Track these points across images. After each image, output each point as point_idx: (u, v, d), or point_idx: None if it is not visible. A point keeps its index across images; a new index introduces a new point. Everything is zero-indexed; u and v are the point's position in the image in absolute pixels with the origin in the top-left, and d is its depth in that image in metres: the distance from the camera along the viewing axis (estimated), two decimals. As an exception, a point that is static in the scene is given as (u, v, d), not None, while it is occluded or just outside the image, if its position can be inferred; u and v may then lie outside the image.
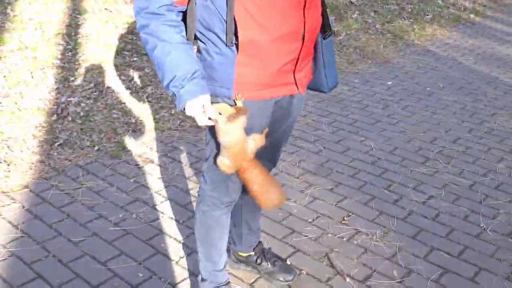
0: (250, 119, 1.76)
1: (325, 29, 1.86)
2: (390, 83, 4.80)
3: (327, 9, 1.87)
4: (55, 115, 3.74)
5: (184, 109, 1.64)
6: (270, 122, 1.88)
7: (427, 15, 7.34)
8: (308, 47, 1.77)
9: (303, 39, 1.71)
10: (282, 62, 1.71)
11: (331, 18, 6.08)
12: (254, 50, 1.66)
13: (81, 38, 5.40)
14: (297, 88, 1.82)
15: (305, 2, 1.67)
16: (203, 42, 1.71)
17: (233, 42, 1.64)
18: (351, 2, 7.87)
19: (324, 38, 1.86)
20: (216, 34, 1.66)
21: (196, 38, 1.74)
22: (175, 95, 1.63)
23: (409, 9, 7.61)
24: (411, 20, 7.04)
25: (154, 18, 1.59)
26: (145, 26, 1.61)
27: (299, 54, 1.74)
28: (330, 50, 1.91)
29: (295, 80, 1.79)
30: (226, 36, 1.64)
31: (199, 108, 1.64)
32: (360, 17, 7.07)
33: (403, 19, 7.04)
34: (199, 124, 1.69)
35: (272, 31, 1.64)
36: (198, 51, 1.75)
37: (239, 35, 1.63)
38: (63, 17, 6.09)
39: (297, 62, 1.76)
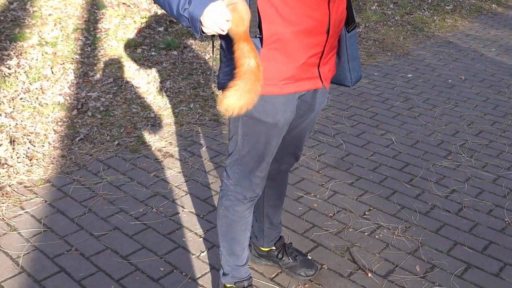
0: (275, 114, 1.74)
1: (349, 22, 1.84)
2: (410, 75, 4.74)
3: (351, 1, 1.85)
4: (75, 110, 3.77)
5: (202, 31, 1.49)
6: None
7: (448, 5, 7.23)
8: (332, 41, 1.75)
9: (328, 32, 1.69)
10: (307, 55, 1.69)
11: (361, 27, 6.03)
12: (279, 43, 1.64)
13: (99, 33, 5.43)
14: (322, 82, 1.80)
15: None
16: (224, 38, 1.70)
17: (257, 35, 1.63)
18: (369, -7, 7.80)
19: (348, 31, 1.84)
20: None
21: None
22: (188, 19, 1.48)
23: (429, 0, 7.50)
24: (431, 11, 6.94)
25: None
26: None
27: (324, 48, 1.72)
28: (354, 44, 1.89)
29: (319, 74, 1.77)
30: (250, 29, 1.63)
31: (217, 15, 1.45)
32: (379, 8, 7.00)
33: (423, 10, 6.95)
34: (222, 29, 1.48)
35: (297, 24, 1.62)
36: (221, 47, 1.74)
37: (263, 28, 1.61)
38: (81, 12, 6.13)
39: (321, 56, 1.74)
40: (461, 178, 3.11)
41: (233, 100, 1.51)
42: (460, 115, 3.96)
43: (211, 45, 5.03)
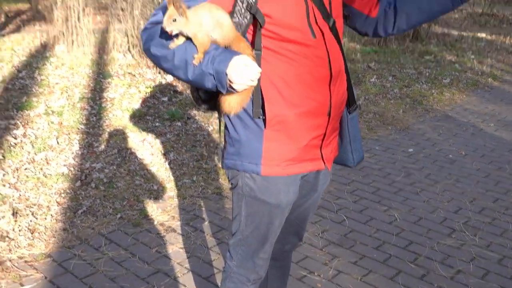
0: (277, 195, 1.76)
1: (350, 103, 1.89)
2: (411, 150, 4.80)
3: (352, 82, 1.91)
4: (79, 181, 3.78)
5: (230, 85, 1.52)
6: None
7: (445, 79, 7.42)
8: (334, 122, 1.80)
9: (329, 114, 1.75)
10: (309, 137, 1.73)
11: (360, 99, 6.17)
12: (281, 125, 1.69)
13: (105, 102, 5.54)
14: (324, 163, 1.83)
15: (331, 77, 1.71)
16: (228, 117, 1.74)
17: (260, 116, 1.68)
18: (369, 66, 8.01)
19: (349, 113, 1.90)
20: (243, 108, 1.69)
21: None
22: (214, 75, 1.52)
23: (427, 74, 7.70)
24: (429, 84, 7.11)
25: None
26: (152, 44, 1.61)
27: (326, 129, 1.77)
28: (356, 125, 1.94)
29: (321, 155, 1.81)
30: (253, 110, 1.68)
31: (242, 67, 1.50)
32: (378, 81, 7.17)
33: (421, 83, 7.12)
34: (252, 79, 1.52)
35: (299, 106, 1.68)
36: (225, 127, 1.79)
37: (266, 109, 1.67)
38: (88, 81, 6.28)
39: (323, 137, 1.78)
40: (466, 258, 3.09)
41: (233, 102, 1.61)
42: (462, 192, 3.97)
43: (214, 117, 5.12)
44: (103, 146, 4.42)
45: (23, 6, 13.52)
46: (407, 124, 5.52)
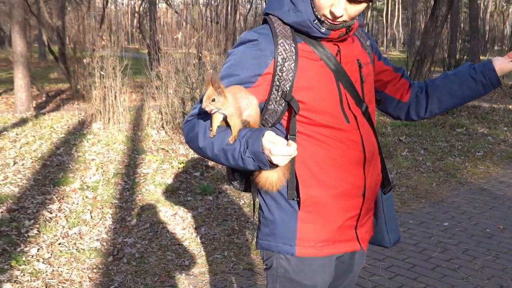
0: (313, 276, 1.74)
1: (385, 184, 1.90)
2: (446, 224, 4.69)
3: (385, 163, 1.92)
4: (111, 256, 3.80)
5: (270, 161, 1.49)
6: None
7: (478, 152, 7.35)
8: (369, 203, 1.80)
9: (364, 195, 1.75)
10: (344, 218, 1.73)
11: (392, 173, 6.16)
12: (316, 206, 1.69)
13: (138, 177, 5.65)
14: (359, 244, 1.81)
15: (365, 160, 1.73)
16: (262, 198, 1.76)
17: (295, 198, 1.69)
18: (399, 140, 8.02)
19: (384, 193, 1.89)
20: (279, 188, 1.71)
21: (258, 191, 1.79)
22: (252, 158, 1.51)
23: (459, 146, 7.65)
24: (462, 157, 7.04)
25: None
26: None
27: (361, 210, 1.76)
28: (391, 205, 1.93)
29: (357, 236, 1.79)
30: (288, 191, 1.69)
31: (272, 145, 1.47)
32: (409, 154, 7.15)
33: (454, 157, 7.06)
34: (289, 153, 1.47)
35: (333, 188, 1.69)
36: (260, 208, 1.80)
37: (300, 191, 1.68)
38: (122, 157, 6.45)
39: (358, 218, 1.77)
40: None
41: (273, 178, 1.61)
42: (503, 268, 3.82)
43: (244, 193, 5.14)
44: (135, 221, 4.47)
45: (63, 86, 14.23)
46: (441, 197, 5.43)
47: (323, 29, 1.63)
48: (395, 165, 6.56)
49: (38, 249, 3.88)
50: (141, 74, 10.55)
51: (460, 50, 12.84)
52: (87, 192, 5.12)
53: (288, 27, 1.68)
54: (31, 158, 6.31)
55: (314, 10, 1.62)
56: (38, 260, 3.71)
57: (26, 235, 4.11)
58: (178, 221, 4.50)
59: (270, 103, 1.66)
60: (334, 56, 1.69)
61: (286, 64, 1.64)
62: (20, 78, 10.07)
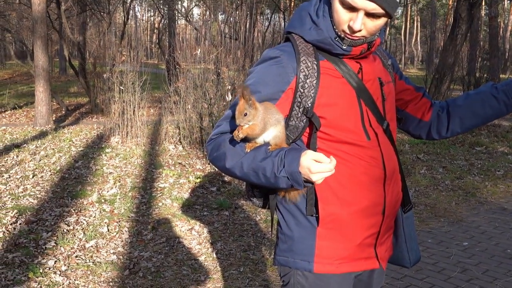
0: (331, 294, 1.72)
1: (405, 203, 1.88)
2: (466, 243, 4.61)
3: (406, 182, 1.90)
4: (127, 270, 3.81)
5: (305, 180, 1.50)
6: (349, 295, 1.83)
7: (498, 171, 7.24)
8: (388, 221, 1.78)
9: (384, 213, 1.73)
10: (363, 236, 1.71)
11: (411, 191, 6.12)
12: (335, 223, 1.68)
13: (155, 191, 5.67)
14: (378, 262, 1.79)
15: (385, 178, 1.72)
16: (281, 214, 1.76)
17: (314, 214, 1.68)
18: (418, 157, 7.95)
19: (404, 212, 1.88)
20: (296, 204, 1.70)
21: (276, 207, 1.79)
22: (287, 177, 1.51)
23: (479, 165, 7.55)
24: (482, 176, 6.95)
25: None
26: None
27: (380, 228, 1.75)
28: (411, 224, 1.91)
29: (376, 254, 1.77)
30: (307, 208, 1.69)
31: (314, 163, 1.48)
32: (428, 172, 7.08)
33: (473, 175, 6.97)
34: (328, 171, 1.48)
35: (353, 205, 1.68)
36: (278, 224, 1.79)
37: (319, 208, 1.67)
38: (140, 171, 6.49)
39: (378, 236, 1.75)
40: None
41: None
42: (524, 290, 3.74)
43: (260, 209, 5.13)
44: (151, 235, 4.48)
45: (83, 100, 14.43)
46: (460, 216, 5.35)
47: (344, 46, 1.64)
48: (413, 183, 6.49)
49: (55, 261, 3.91)
50: (159, 89, 10.66)
51: (480, 68, 12.74)
52: (105, 205, 5.15)
53: (310, 45, 1.69)
54: (50, 171, 6.38)
55: (334, 27, 1.63)
56: (55, 273, 3.73)
57: (43, 247, 4.14)
58: (194, 236, 4.50)
59: (292, 119, 1.67)
60: (356, 73, 1.70)
61: (308, 81, 1.65)
62: (41, 91, 10.24)
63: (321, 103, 1.64)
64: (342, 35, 1.62)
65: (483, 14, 33.39)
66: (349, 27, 1.59)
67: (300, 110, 1.66)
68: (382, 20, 1.60)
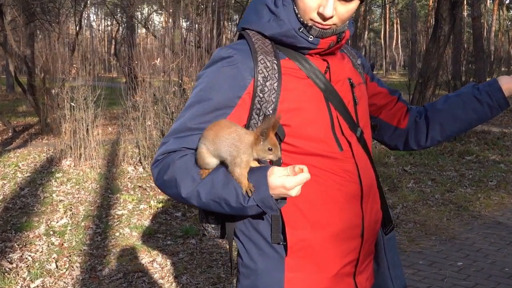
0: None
1: (386, 222, 1.76)
2: (460, 263, 4.54)
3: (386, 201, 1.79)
4: (78, 312, 3.61)
5: (282, 198, 1.39)
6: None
7: (491, 181, 7.25)
8: (368, 245, 1.66)
9: (362, 236, 1.61)
10: (340, 264, 1.58)
11: (397, 207, 6.04)
12: (306, 251, 1.55)
13: (112, 220, 5.48)
14: (359, 294, 1.66)
15: (362, 194, 1.60)
16: (241, 243, 1.61)
17: (281, 242, 1.54)
18: (404, 170, 7.92)
19: (385, 234, 1.75)
20: (259, 231, 1.56)
21: (235, 235, 1.64)
22: (257, 204, 1.38)
23: (470, 176, 7.56)
24: (474, 187, 6.94)
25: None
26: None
27: (359, 254, 1.62)
28: (393, 247, 1.79)
29: (356, 285, 1.64)
30: (272, 234, 1.55)
31: (287, 178, 1.35)
32: (416, 186, 7.04)
33: (464, 187, 6.96)
34: (299, 184, 1.35)
35: (326, 228, 1.55)
36: (238, 255, 1.64)
37: (287, 234, 1.53)
38: (94, 197, 6.28)
39: (357, 264, 1.62)
40: None
41: None
42: (527, 313, 3.66)
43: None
44: (107, 270, 4.27)
45: (32, 119, 14.09)
46: (453, 233, 5.29)
47: (311, 38, 1.53)
48: (400, 198, 6.43)
49: (-6, 306, 3.68)
50: (117, 105, 10.46)
51: (465, 71, 12.90)
52: (53, 238, 4.93)
53: (269, 41, 1.58)
54: (-9, 201, 6.12)
55: (299, 16, 1.52)
56: (-8, 320, 3.50)
57: (-20, 290, 3.91)
58: (156, 269, 4.31)
59: (250, 129, 1.53)
60: (323, 73, 1.58)
61: (267, 83, 1.52)
62: (-18, 112, 9.92)
63: (284, 108, 1.51)
64: (310, 24, 1.51)
65: (465, 15, 34.14)
66: (319, 14, 1.48)
67: (260, 118, 1.53)
68: (355, 4, 1.51)
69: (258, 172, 1.40)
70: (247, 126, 1.54)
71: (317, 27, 1.51)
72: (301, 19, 1.52)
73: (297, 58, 1.57)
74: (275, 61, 1.54)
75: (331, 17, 1.49)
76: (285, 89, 1.53)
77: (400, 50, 51.96)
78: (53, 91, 8.89)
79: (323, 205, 1.55)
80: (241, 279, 1.64)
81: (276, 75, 1.53)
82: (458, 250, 4.86)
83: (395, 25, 50.88)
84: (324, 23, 1.50)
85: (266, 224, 1.56)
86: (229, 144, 1.40)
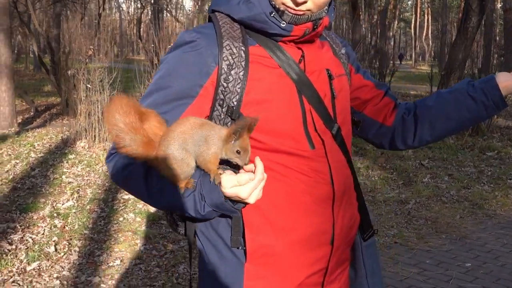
0: None
1: (364, 228, 1.61)
2: (469, 264, 4.35)
3: (366, 202, 1.64)
4: (70, 298, 3.54)
5: (241, 203, 1.30)
6: None
7: (510, 179, 6.99)
8: (339, 254, 1.51)
9: (332, 243, 1.47)
10: (306, 273, 1.44)
11: (410, 203, 5.85)
12: (268, 258, 1.41)
13: (117, 204, 5.42)
14: (328, 308, 1.51)
15: (334, 197, 1.45)
16: (202, 244, 1.49)
17: (240, 247, 1.41)
18: (421, 164, 7.70)
19: (364, 240, 1.61)
20: (218, 233, 1.44)
21: (196, 235, 1.52)
22: (213, 210, 1.30)
23: (489, 173, 7.31)
24: (492, 185, 6.70)
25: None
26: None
27: (328, 263, 1.48)
28: (373, 254, 1.64)
29: (324, 296, 1.50)
30: (231, 237, 1.42)
31: (239, 188, 1.26)
32: (432, 181, 6.83)
33: (482, 184, 6.72)
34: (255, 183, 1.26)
35: (291, 234, 1.41)
36: (199, 257, 1.52)
37: (247, 238, 1.40)
38: (104, 180, 6.23)
39: (326, 273, 1.48)
40: None
41: None
42: (534, 321, 3.48)
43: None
44: (105, 256, 4.21)
45: (55, 99, 14.16)
46: (464, 232, 5.09)
47: (283, 24, 1.38)
48: (414, 193, 6.24)
49: (-13, 287, 3.64)
50: (135, 88, 10.40)
51: (495, 65, 12.52)
52: (56, 221, 4.89)
53: (238, 26, 1.44)
54: (0, 180, 6.11)
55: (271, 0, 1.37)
56: (-16, 301, 3.46)
57: (-23, 270, 3.87)
58: (155, 257, 4.23)
59: (213, 121, 1.40)
60: (297, 62, 1.44)
61: (232, 72, 1.39)
62: (3, 91, 9.98)
63: (250, 100, 1.38)
64: (282, 9, 1.37)
65: (499, 7, 33.21)
66: None
67: (223, 110, 1.39)
68: None
69: (208, 177, 1.29)
70: (209, 118, 1.41)
71: (289, 12, 1.37)
72: (273, 3, 1.38)
73: (268, 45, 1.43)
74: (242, 48, 1.40)
75: (305, 2, 1.35)
76: (252, 79, 1.39)
77: (430, 41, 51.01)
78: (69, 72, 8.86)
79: (288, 208, 1.41)
80: (199, 282, 1.53)
81: (243, 63, 1.39)
82: (468, 250, 4.67)
83: (426, 15, 49.92)
84: (297, 8, 1.36)
85: (226, 226, 1.43)
86: (201, 136, 1.29)
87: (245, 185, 1.25)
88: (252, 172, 1.29)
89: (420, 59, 51.00)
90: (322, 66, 1.49)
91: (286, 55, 1.43)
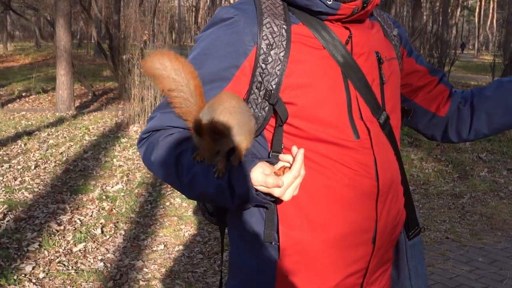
0: None
1: (410, 226, 1.48)
2: (526, 265, 4.11)
3: (413, 199, 1.50)
4: (112, 281, 3.55)
5: (257, 195, 1.18)
6: None
7: None
8: (382, 254, 1.38)
9: (374, 242, 1.34)
10: (343, 274, 1.33)
11: (465, 197, 5.61)
12: (302, 256, 1.30)
13: (165, 189, 5.43)
14: (367, 312, 1.40)
15: (378, 192, 1.32)
16: (233, 236, 1.41)
17: (273, 242, 1.31)
18: (479, 157, 7.37)
19: (409, 238, 1.48)
20: (251, 226, 1.34)
21: (228, 225, 1.44)
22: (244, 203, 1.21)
23: (553, 168, 6.92)
24: (555, 181, 6.33)
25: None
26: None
27: (369, 264, 1.35)
28: (418, 255, 1.50)
29: (363, 299, 1.38)
30: (265, 231, 1.32)
31: (268, 177, 1.15)
32: (489, 175, 6.52)
33: (544, 180, 6.36)
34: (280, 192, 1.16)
35: (329, 230, 1.29)
36: (231, 252, 1.44)
37: (280, 233, 1.30)
38: (153, 164, 6.24)
39: (365, 274, 1.36)
40: None
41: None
42: None
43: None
44: (149, 240, 4.21)
45: (113, 84, 14.43)
46: (522, 231, 4.83)
47: (329, 1, 1.26)
48: (469, 187, 5.97)
49: (34, 266, 3.70)
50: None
51: None
52: (105, 203, 4.94)
53: (280, 2, 1.32)
54: (54, 162, 6.25)
55: None
56: (30, 280, 3.52)
57: (25, 249, 3.95)
58: (198, 243, 4.20)
59: (249, 105, 1.30)
60: (343, 44, 1.31)
61: (272, 52, 1.27)
62: (62, 74, 10.22)
63: (290, 83, 1.26)
64: None
65: None
66: None
67: (261, 93, 1.28)
68: None
69: (241, 168, 1.19)
70: (246, 101, 1.31)
71: None
72: None
73: (312, 24, 1.30)
74: (284, 26, 1.29)
75: None
76: (294, 61, 1.27)
77: (495, 30, 49.02)
78: (124, 57, 8.97)
79: (328, 203, 1.29)
80: (229, 277, 1.45)
81: (284, 42, 1.27)
82: (525, 249, 4.42)
83: (491, 3, 47.97)
84: None
85: (259, 219, 1.33)
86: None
87: (276, 177, 1.15)
88: (289, 165, 1.20)
89: (484, 48, 49.16)
90: (371, 49, 1.35)
91: (332, 35, 1.30)
